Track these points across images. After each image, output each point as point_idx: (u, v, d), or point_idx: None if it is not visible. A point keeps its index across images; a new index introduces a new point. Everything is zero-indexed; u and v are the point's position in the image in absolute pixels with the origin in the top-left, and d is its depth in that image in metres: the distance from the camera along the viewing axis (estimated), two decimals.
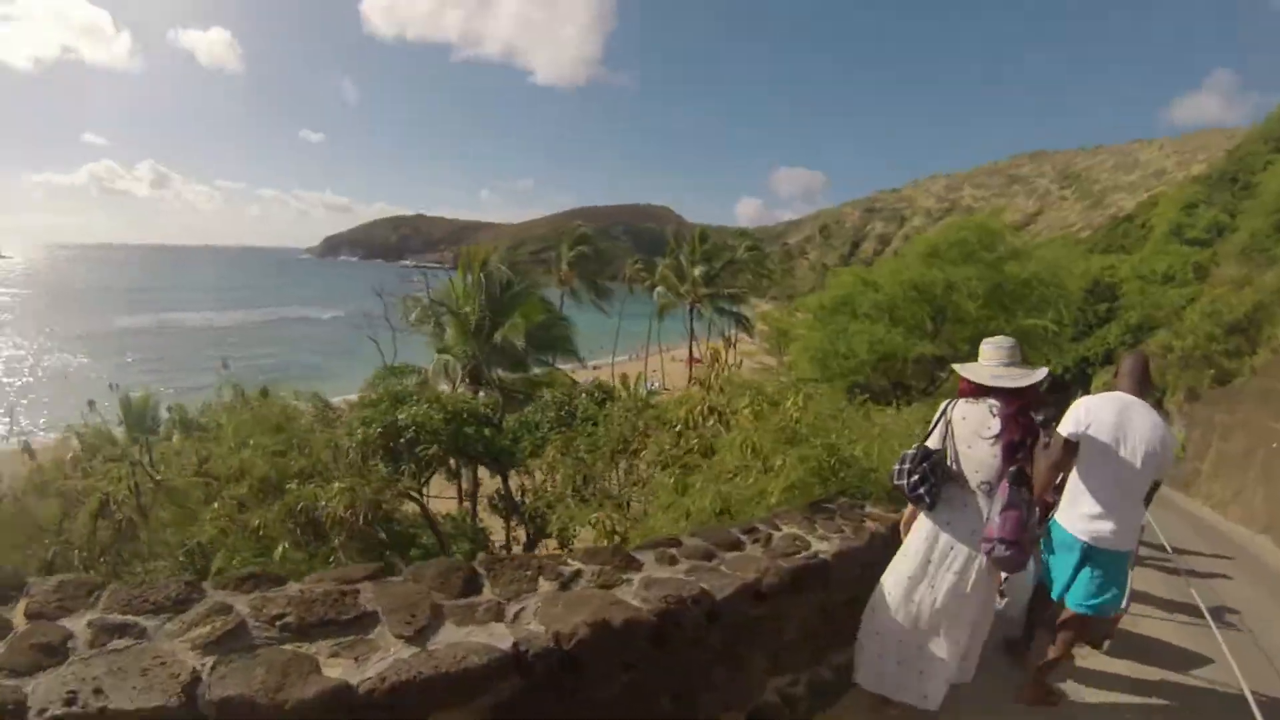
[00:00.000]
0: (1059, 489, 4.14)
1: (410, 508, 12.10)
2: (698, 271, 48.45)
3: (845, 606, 3.74)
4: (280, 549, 7.98)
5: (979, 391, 3.41)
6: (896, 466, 3.48)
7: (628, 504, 9.84)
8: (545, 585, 2.69)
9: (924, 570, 3.44)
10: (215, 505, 9.18)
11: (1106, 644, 5.02)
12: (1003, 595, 4.59)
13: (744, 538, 3.65)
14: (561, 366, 30.32)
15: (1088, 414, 3.79)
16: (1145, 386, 3.95)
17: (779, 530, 3.88)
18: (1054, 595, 4.04)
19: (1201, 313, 20.10)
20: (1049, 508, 4.15)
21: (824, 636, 3.76)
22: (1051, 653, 4.05)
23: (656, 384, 47.31)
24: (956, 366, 3.62)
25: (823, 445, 5.27)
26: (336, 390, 26.77)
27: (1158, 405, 4.23)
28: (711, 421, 7.32)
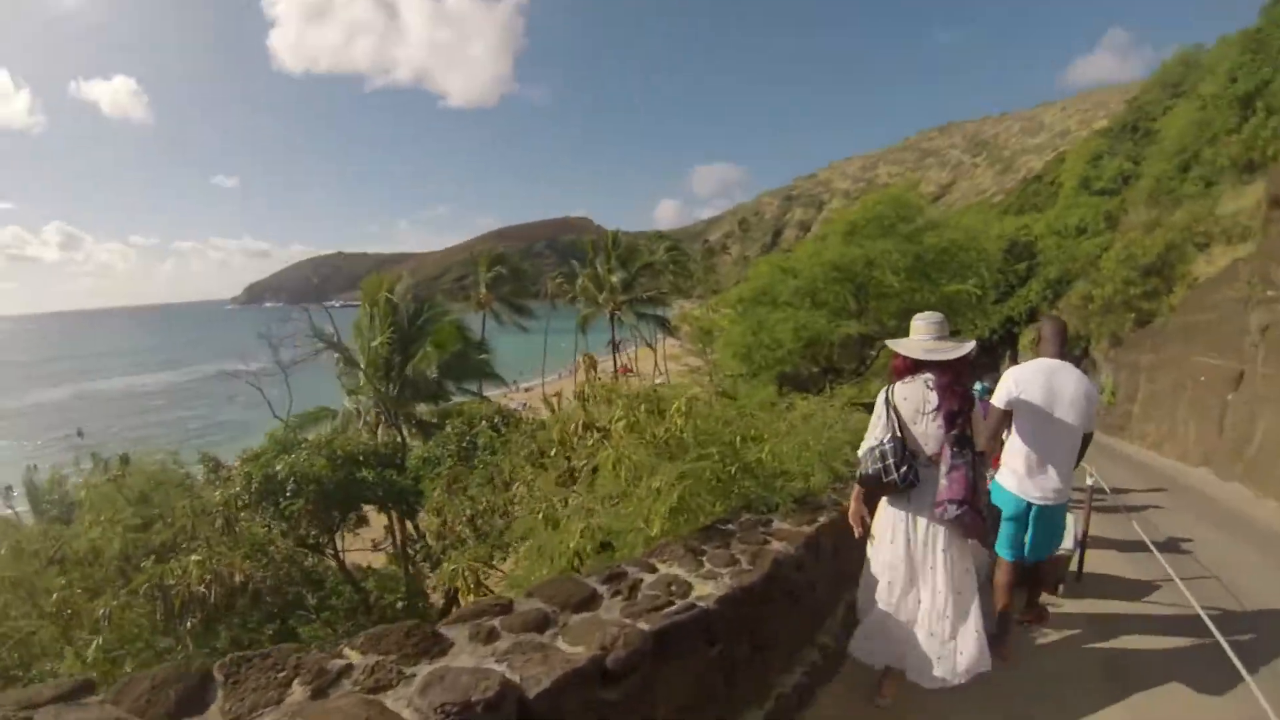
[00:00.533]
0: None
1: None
2: (615, 278, 47.07)
3: (756, 654, 3.16)
4: (94, 644, 6.83)
5: (913, 369, 3.52)
6: (879, 465, 3.46)
7: (507, 546, 8.77)
8: (297, 692, 1.92)
9: (907, 551, 3.54)
10: (55, 596, 7.98)
11: (1061, 588, 5.40)
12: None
13: (602, 589, 2.81)
14: (490, 393, 29.25)
15: (1018, 384, 4.09)
16: (1065, 347, 4.24)
17: (654, 572, 3.08)
18: (1009, 555, 4.32)
19: (1116, 259, 20.03)
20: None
21: (723, 703, 2.95)
22: (1005, 597, 4.32)
23: None
24: (890, 343, 3.66)
25: (719, 452, 4.55)
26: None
27: (1083, 355, 5.71)
28: (591, 440, 6.38)
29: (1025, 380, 4.10)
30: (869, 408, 3.97)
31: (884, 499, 3.65)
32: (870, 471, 3.51)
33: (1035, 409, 4.06)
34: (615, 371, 47.16)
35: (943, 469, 3.39)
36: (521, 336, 46.05)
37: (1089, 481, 6.40)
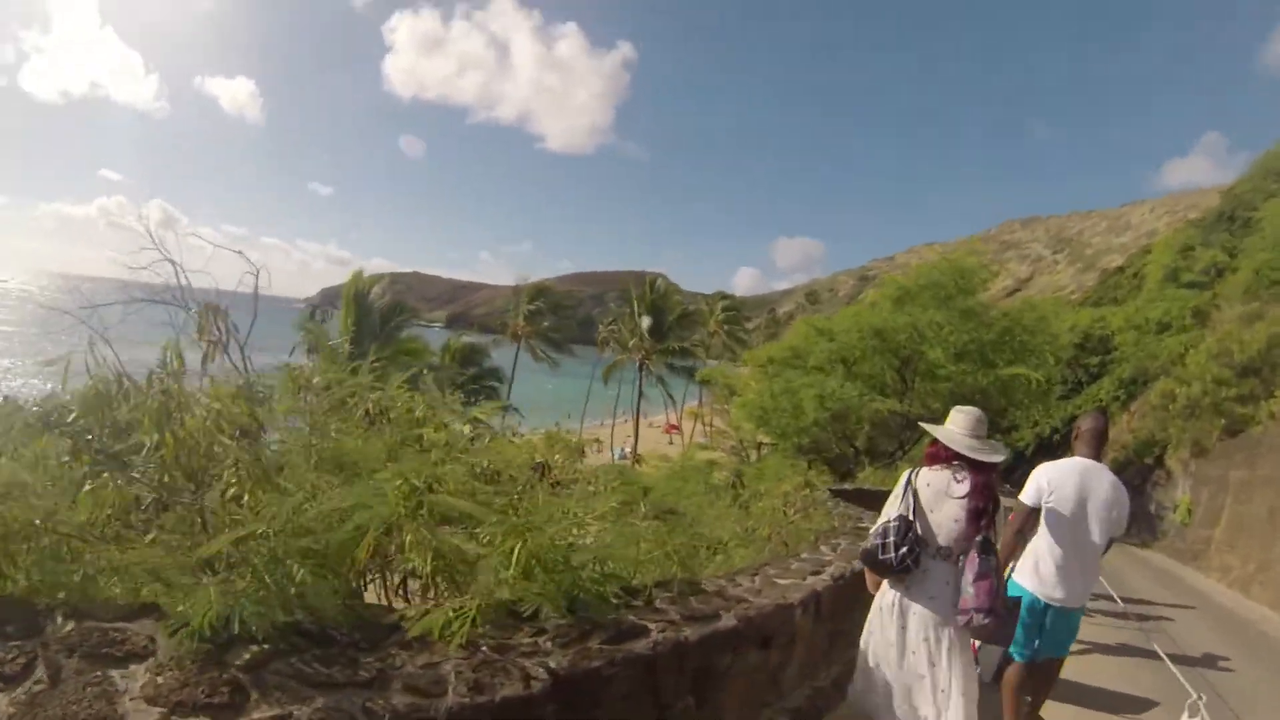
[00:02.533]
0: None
1: None
2: (645, 323, 44.46)
3: None
4: None
5: (948, 460, 3.43)
6: (878, 541, 3.35)
7: None
8: None
9: (894, 641, 3.38)
10: None
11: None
12: (976, 663, 4.07)
13: None
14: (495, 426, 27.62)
15: (1050, 484, 4.02)
16: (1102, 448, 4.14)
17: None
18: (1021, 655, 4.16)
19: (1208, 354, 17.23)
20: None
21: None
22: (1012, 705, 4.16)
23: (626, 450, 44.12)
24: (928, 427, 3.58)
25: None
26: None
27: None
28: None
29: (1057, 480, 4.02)
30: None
31: (885, 581, 3.49)
32: (868, 546, 3.42)
33: (1065, 511, 3.97)
34: (668, 428, 44.73)
35: (968, 575, 3.23)
36: (567, 379, 44.07)
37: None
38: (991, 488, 3.36)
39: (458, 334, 22.15)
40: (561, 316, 46.48)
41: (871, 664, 3.48)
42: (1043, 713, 4.70)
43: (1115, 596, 8.92)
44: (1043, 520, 4.03)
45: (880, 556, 3.32)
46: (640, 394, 45.48)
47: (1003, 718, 4.19)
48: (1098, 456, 4.06)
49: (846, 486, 13.69)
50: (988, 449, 3.40)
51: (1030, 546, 4.16)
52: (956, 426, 3.49)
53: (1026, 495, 4.05)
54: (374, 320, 22.08)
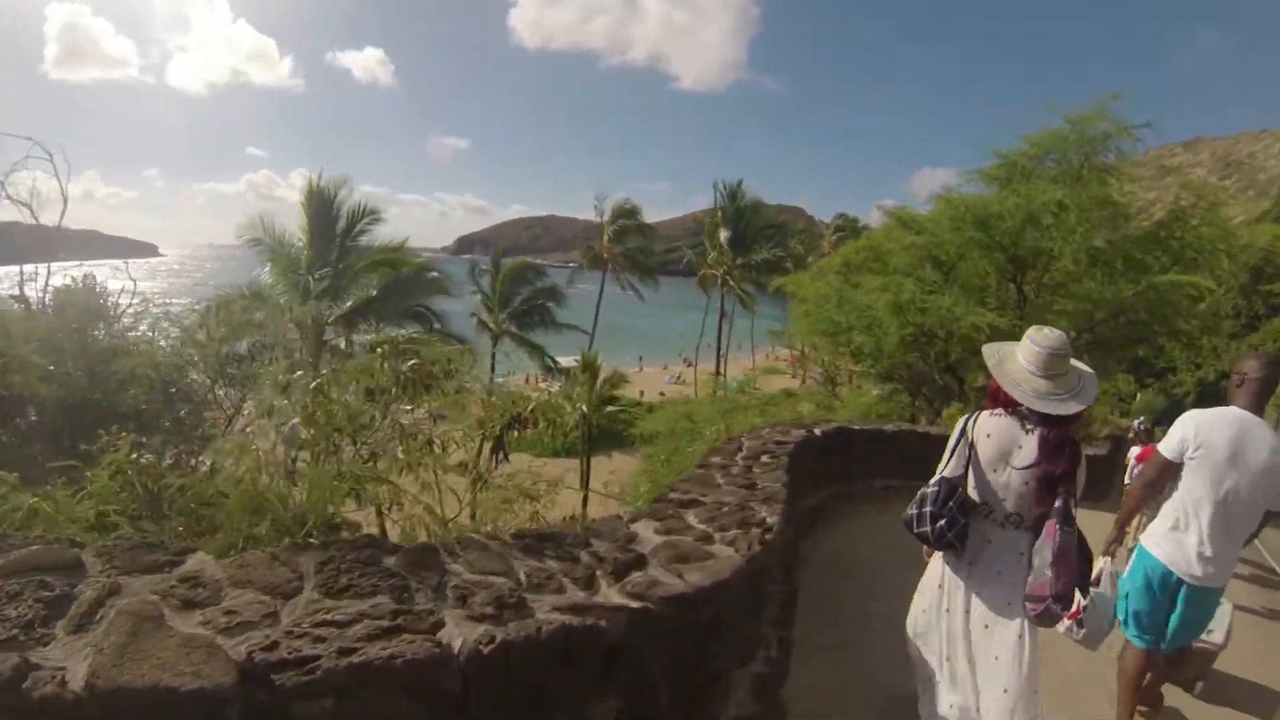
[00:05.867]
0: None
1: None
2: (723, 236, 38.76)
3: None
4: None
5: (1010, 400, 2.75)
6: (914, 510, 2.83)
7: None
8: None
9: (951, 627, 2.87)
10: None
11: (1199, 686, 4.42)
12: (1081, 626, 3.41)
13: None
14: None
15: (1197, 434, 3.35)
16: (1267, 400, 3.47)
17: None
18: (1141, 641, 3.57)
19: None
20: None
21: None
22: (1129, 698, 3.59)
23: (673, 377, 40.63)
24: (986, 355, 2.86)
25: None
26: None
27: None
28: None
29: (1206, 432, 3.31)
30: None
31: (935, 555, 3.01)
32: (906, 515, 2.88)
33: (1212, 470, 3.29)
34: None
35: (1045, 553, 2.59)
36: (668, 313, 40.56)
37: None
38: (1068, 444, 2.65)
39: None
40: (649, 238, 42.45)
41: (920, 654, 3.00)
42: (1186, 712, 4.07)
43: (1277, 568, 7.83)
44: (1184, 479, 3.34)
45: (915, 529, 2.82)
46: (722, 314, 40.79)
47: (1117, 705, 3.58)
48: (1260, 411, 3.34)
49: (921, 428, 9.92)
50: (1060, 395, 2.64)
51: (1167, 507, 3.43)
52: (1024, 356, 2.72)
53: (1167, 445, 3.41)
54: (331, 217, 19.46)
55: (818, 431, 6.34)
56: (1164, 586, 3.45)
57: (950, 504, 2.74)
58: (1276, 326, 24.90)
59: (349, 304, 18.85)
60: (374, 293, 19.09)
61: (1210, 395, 22.53)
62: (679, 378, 46.96)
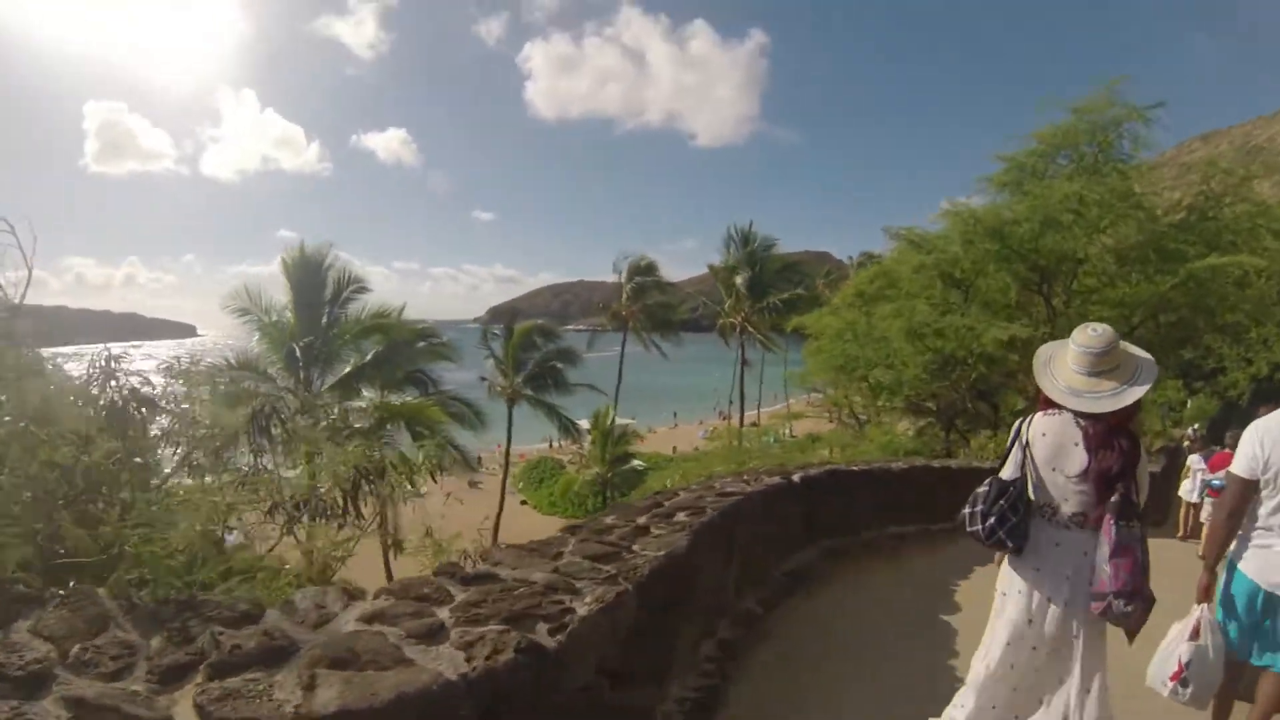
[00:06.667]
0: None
1: None
2: (740, 280, 37.08)
3: None
4: None
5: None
6: (967, 510, 2.81)
7: None
8: None
9: (1023, 635, 2.72)
10: None
11: None
12: (1186, 685, 3.02)
13: None
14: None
15: (1265, 444, 3.07)
16: None
17: None
18: (1241, 654, 3.16)
19: None
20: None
21: None
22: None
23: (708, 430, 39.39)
24: (1039, 357, 2.82)
25: None
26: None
27: None
28: None
29: (1276, 435, 3.00)
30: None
31: (1005, 563, 2.88)
32: (959, 515, 2.87)
33: None
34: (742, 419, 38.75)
35: (1103, 549, 2.51)
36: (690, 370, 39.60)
37: None
38: (1123, 439, 2.55)
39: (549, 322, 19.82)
40: (668, 293, 41.67)
41: (987, 667, 2.79)
42: None
43: None
44: (1264, 491, 3.01)
45: (968, 528, 2.80)
46: (743, 362, 39.25)
47: None
48: None
49: (939, 462, 8.82)
50: (1099, 392, 2.59)
51: (1247, 523, 3.10)
52: (1070, 356, 2.69)
53: (1238, 464, 3.08)
54: (324, 293, 19.49)
55: (796, 478, 5.49)
56: (1250, 607, 3.14)
57: (1002, 502, 2.70)
58: None
59: (345, 370, 19.11)
60: (367, 359, 19.26)
61: (1267, 391, 21.10)
62: (713, 431, 45.96)
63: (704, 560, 3.53)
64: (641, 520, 3.49)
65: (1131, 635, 2.62)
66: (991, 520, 2.68)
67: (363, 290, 19.79)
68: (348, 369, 19.22)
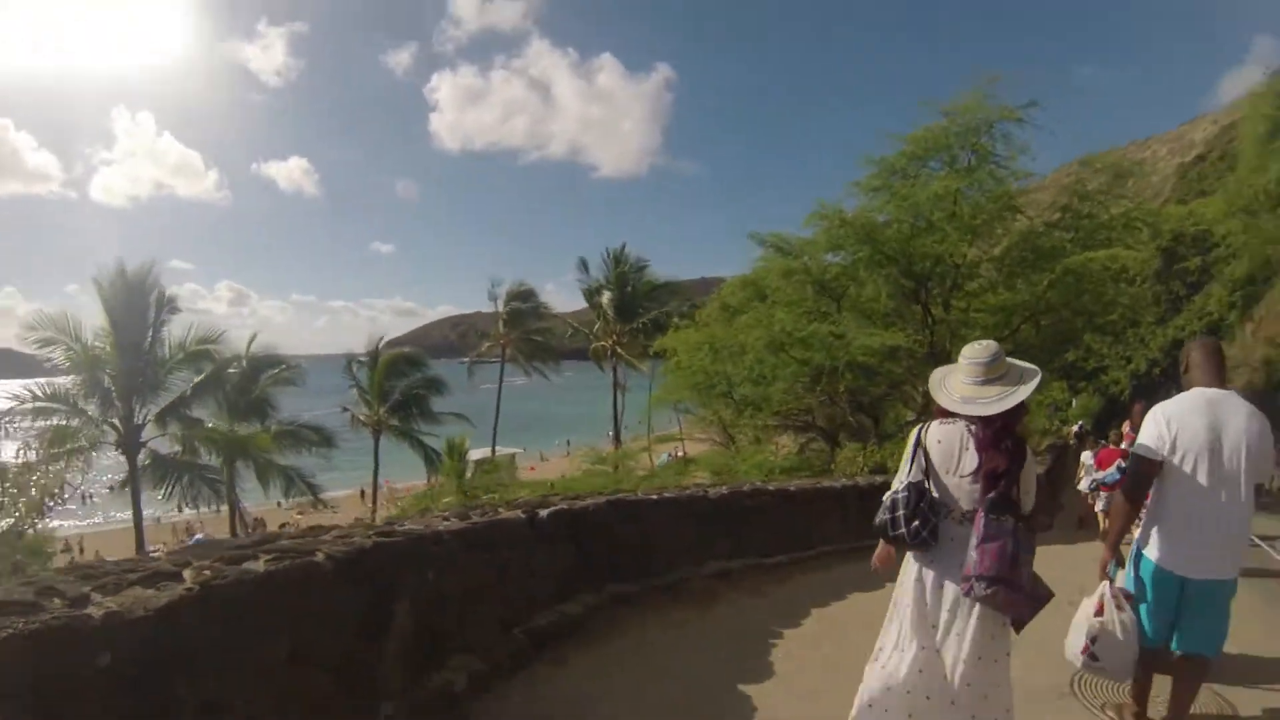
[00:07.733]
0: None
1: None
2: (606, 299, 35.85)
3: None
4: None
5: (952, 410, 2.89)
6: (887, 515, 2.83)
7: None
8: None
9: (921, 624, 2.79)
10: None
11: None
12: (1096, 659, 3.26)
13: None
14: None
15: (1171, 424, 3.17)
16: (1223, 375, 3.29)
17: None
18: (1152, 641, 3.28)
19: None
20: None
21: None
22: (1168, 711, 3.36)
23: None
24: (933, 377, 2.97)
25: None
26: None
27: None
28: None
29: (1181, 417, 3.14)
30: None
31: (908, 555, 2.93)
32: (878, 520, 2.90)
33: (1197, 456, 3.07)
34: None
35: (974, 539, 2.65)
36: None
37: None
38: (1007, 441, 2.71)
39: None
40: (546, 319, 39.84)
41: (884, 662, 2.84)
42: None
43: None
44: (1167, 472, 3.12)
45: (891, 532, 2.84)
46: (616, 385, 37.71)
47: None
48: (1223, 384, 3.21)
49: (776, 484, 7.57)
50: (986, 397, 2.77)
51: (1154, 506, 3.26)
52: (960, 370, 2.87)
53: (1143, 443, 3.20)
54: (148, 317, 18.50)
55: (544, 513, 4.37)
56: (1160, 587, 3.22)
57: (921, 504, 2.77)
58: (1199, 305, 23.73)
59: (168, 400, 18.55)
60: (188, 390, 18.85)
61: (1146, 387, 21.85)
62: (603, 458, 44.62)
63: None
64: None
65: (1018, 626, 2.70)
66: (916, 523, 2.73)
67: (174, 312, 18.95)
68: (174, 398, 18.68)
